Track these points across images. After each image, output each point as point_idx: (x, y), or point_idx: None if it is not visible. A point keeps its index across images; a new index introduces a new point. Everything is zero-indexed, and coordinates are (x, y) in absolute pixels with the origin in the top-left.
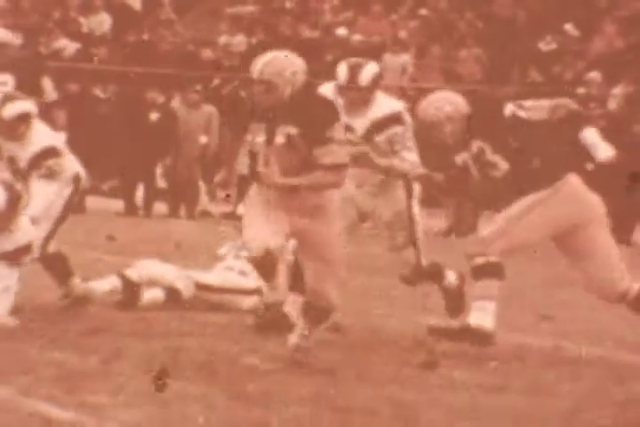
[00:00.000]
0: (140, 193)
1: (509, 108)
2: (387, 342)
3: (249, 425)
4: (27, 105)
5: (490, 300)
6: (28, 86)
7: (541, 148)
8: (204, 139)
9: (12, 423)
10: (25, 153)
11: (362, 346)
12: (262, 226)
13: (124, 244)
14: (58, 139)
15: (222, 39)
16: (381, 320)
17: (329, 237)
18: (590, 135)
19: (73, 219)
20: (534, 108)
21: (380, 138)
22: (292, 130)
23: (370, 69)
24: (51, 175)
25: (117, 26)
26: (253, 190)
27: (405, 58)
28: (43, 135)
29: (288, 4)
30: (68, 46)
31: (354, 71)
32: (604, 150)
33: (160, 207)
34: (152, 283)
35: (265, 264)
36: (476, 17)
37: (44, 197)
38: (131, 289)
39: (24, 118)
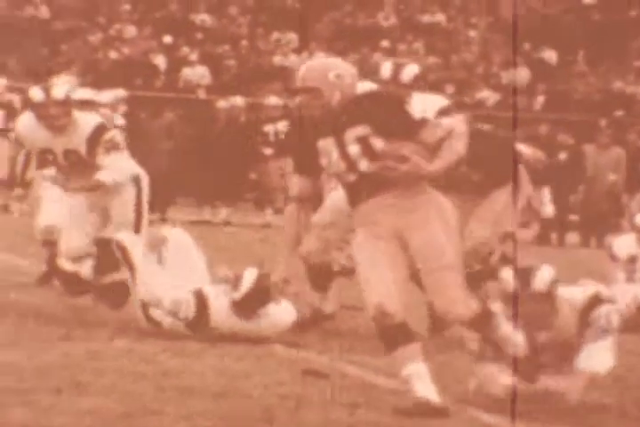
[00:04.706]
0: None
1: None
2: None
3: None
4: (66, 88)
5: None
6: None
7: None
8: (612, 176)
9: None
10: (79, 137)
11: None
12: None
13: None
14: (98, 117)
15: (629, 89)
16: None
17: (437, 240)
18: None
19: None
20: None
21: None
22: (363, 130)
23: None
24: (114, 147)
25: (535, 78)
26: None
27: None
28: (87, 118)
29: None
30: (491, 97)
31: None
32: None
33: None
34: None
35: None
36: None
37: (120, 165)
38: None
39: (66, 104)
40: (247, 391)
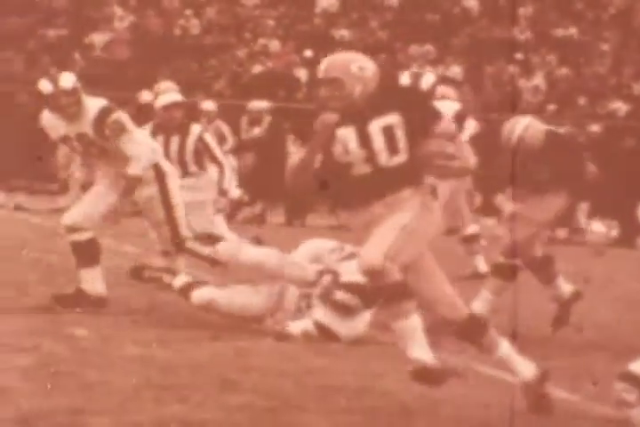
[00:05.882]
0: None
1: None
2: None
3: None
4: (72, 78)
5: None
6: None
7: None
8: None
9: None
10: (87, 120)
11: None
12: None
13: None
14: (104, 101)
15: None
16: None
17: (403, 215)
18: None
19: None
20: None
21: None
22: (392, 119)
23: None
24: (121, 128)
25: None
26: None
27: None
28: (94, 102)
29: None
30: (621, 108)
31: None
32: None
33: None
34: None
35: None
36: None
37: (136, 149)
38: None
39: (75, 93)
40: (385, 389)
